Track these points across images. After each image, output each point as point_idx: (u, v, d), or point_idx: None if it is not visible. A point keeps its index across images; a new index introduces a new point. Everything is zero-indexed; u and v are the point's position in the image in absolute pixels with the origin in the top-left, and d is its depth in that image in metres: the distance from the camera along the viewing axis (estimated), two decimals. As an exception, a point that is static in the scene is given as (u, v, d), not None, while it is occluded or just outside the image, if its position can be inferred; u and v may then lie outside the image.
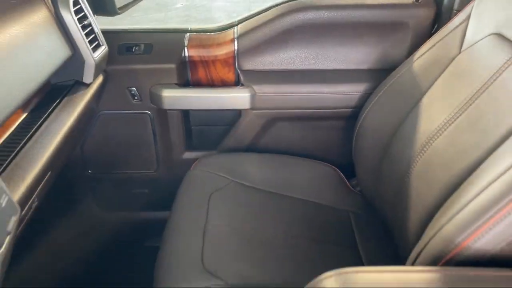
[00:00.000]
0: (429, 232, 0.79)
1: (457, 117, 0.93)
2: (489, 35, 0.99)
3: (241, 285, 0.95)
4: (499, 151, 0.77)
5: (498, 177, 0.72)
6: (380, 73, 1.33)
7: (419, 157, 0.98)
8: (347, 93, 1.38)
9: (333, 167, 1.40)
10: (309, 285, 0.68)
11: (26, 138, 0.98)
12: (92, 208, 1.63)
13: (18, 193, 0.82)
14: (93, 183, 1.60)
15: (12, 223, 0.68)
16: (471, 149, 0.84)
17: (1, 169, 0.84)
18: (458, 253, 0.72)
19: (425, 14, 1.34)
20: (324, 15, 1.38)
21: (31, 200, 0.87)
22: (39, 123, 1.05)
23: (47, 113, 1.09)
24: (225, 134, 1.52)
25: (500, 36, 0.96)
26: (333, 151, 1.48)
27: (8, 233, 0.67)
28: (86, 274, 1.55)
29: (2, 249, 0.64)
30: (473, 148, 0.84)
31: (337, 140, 1.47)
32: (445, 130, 0.95)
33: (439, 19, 1.33)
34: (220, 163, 1.37)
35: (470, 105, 0.92)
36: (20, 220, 0.81)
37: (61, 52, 1.13)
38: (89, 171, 1.57)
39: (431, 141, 0.96)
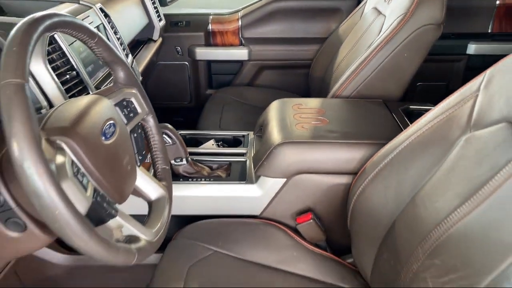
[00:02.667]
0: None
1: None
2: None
3: None
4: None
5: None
6: (324, 40, 2.12)
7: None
8: (306, 50, 2.20)
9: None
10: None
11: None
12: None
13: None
14: (150, 110, 2.42)
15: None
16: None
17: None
18: (337, 97, 1.52)
19: (352, 2, 2.16)
20: (294, 3, 2.20)
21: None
22: (133, 56, 1.86)
23: (136, 52, 1.91)
24: (232, 78, 2.33)
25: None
26: (298, 87, 2.28)
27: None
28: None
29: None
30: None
31: (301, 80, 2.27)
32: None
33: (359, 4, 2.13)
34: (227, 94, 2.17)
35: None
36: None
37: (143, 20, 1.96)
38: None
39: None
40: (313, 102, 1.43)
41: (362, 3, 1.92)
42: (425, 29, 1.42)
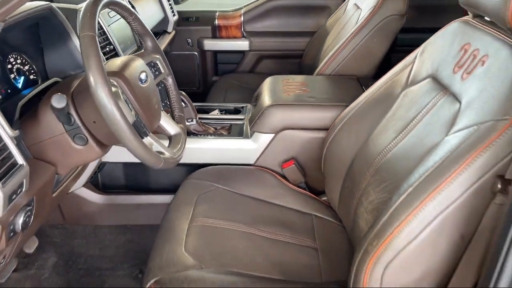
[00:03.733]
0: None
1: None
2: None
3: None
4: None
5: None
6: (314, 33, 2.41)
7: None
8: (299, 42, 2.49)
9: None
10: None
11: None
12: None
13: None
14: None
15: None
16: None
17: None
18: (319, 75, 1.81)
19: (338, 2, 2.45)
20: (289, 2, 2.50)
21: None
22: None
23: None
24: (235, 66, 2.63)
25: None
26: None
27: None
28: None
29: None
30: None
31: (294, 68, 2.55)
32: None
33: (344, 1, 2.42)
34: (230, 79, 2.46)
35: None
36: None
37: (160, 14, 2.26)
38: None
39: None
40: (299, 78, 1.73)
41: (346, 0, 2.21)
42: (391, 18, 1.71)
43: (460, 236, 0.84)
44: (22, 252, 1.43)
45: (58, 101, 0.88)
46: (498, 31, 0.95)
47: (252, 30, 2.56)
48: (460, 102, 0.96)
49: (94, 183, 1.60)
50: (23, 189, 0.86)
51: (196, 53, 2.59)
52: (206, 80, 2.67)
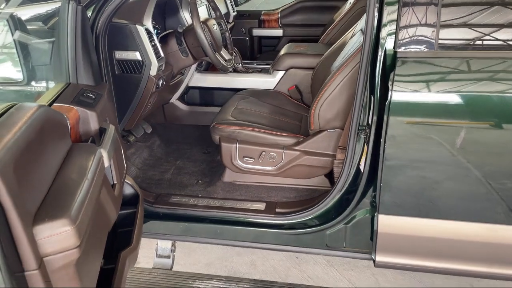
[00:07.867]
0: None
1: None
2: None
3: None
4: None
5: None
6: (325, 24, 3.31)
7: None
8: (316, 30, 3.38)
9: None
10: None
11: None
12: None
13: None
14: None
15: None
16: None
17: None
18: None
19: (343, 2, 3.33)
20: (310, 3, 3.42)
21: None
22: (219, 27, 3.18)
23: (220, 26, 3.23)
24: (274, 48, 3.59)
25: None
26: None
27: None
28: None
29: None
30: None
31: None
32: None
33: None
34: (269, 55, 3.42)
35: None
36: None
37: (224, 10, 3.27)
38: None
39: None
40: (304, 44, 2.66)
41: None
42: (363, 8, 2.58)
43: (351, 93, 1.74)
44: (145, 132, 2.47)
45: (180, 27, 1.89)
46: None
47: (285, 23, 3.51)
48: (364, 36, 1.85)
49: (182, 99, 2.62)
50: (162, 68, 1.87)
51: (247, 38, 3.58)
52: (253, 56, 3.65)
